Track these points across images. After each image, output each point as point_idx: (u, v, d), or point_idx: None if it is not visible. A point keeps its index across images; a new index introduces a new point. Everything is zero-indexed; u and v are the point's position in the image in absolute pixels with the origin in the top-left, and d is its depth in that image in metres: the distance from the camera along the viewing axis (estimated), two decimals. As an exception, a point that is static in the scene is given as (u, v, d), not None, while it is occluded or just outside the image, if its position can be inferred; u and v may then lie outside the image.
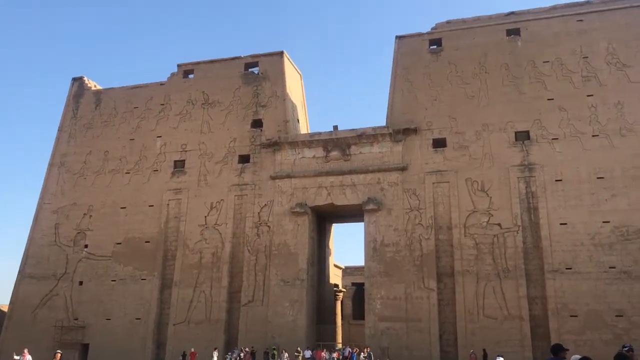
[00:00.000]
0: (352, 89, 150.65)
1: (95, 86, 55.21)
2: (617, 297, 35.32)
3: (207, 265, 44.03)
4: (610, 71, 40.17)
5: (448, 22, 45.93)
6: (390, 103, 44.48)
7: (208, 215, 45.31)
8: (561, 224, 37.64)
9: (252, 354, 38.25)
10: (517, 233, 38.22)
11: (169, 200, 46.79)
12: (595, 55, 40.88)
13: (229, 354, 38.29)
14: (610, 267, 35.94)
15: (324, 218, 47.52)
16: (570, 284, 36.30)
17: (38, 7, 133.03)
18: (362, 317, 44.25)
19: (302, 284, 41.76)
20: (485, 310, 37.32)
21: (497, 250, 38.25)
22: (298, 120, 49.81)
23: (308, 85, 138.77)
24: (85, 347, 44.99)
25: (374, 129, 43.60)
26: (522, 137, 40.55)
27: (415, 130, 42.67)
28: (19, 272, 48.44)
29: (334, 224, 51.21)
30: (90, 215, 48.36)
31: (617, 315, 35.03)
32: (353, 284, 62.94)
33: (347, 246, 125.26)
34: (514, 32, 43.47)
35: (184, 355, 39.12)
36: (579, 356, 9.92)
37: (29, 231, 49.84)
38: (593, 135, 38.98)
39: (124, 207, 47.81)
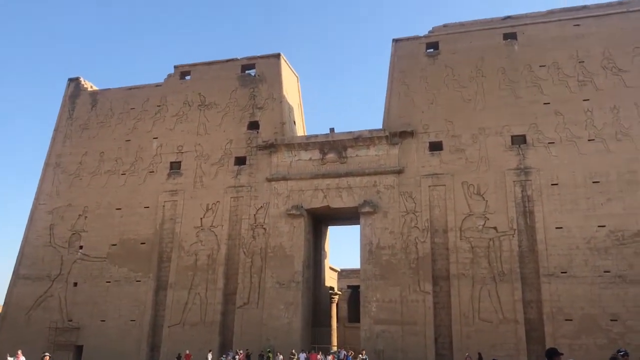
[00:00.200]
0: (348, 92, 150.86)
1: (91, 87, 55.10)
2: (612, 302, 35.37)
3: (203, 267, 43.93)
4: (607, 76, 40.29)
5: (445, 25, 46.02)
6: (387, 106, 44.52)
7: (204, 217, 45.23)
8: (557, 227, 37.70)
9: (247, 356, 38.16)
10: (513, 237, 38.27)
11: (165, 201, 46.69)
12: (591, 60, 41.01)
13: (224, 356, 38.18)
14: (605, 271, 36.00)
15: (319, 220, 47.49)
16: (565, 288, 36.35)
17: (34, 7, 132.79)
18: (358, 320, 44.23)
19: (297, 286, 41.70)
20: (481, 314, 37.33)
21: (493, 254, 38.28)
22: (294, 122, 49.80)
23: (305, 87, 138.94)
24: (79, 349, 44.79)
25: (370, 131, 43.62)
26: (519, 140, 40.63)
27: (411, 134, 42.72)
28: (14, 272, 48.25)
29: (329, 227, 51.18)
30: (86, 216, 48.22)
31: (612, 320, 35.07)
32: (349, 286, 62.98)
33: (343, 249, 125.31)
34: (510, 36, 43.59)
35: (178, 357, 39.00)
36: (574, 361, 9.92)
37: (23, 232, 49.65)
38: (589, 140, 39.08)
39: (120, 209, 47.69)
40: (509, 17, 44.50)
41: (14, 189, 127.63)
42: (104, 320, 44.73)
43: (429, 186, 41.13)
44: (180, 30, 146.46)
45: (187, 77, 51.16)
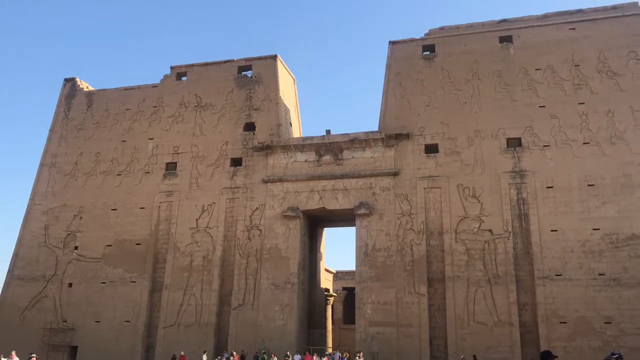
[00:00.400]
0: (345, 94, 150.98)
1: (87, 87, 55.01)
2: (607, 304, 35.52)
3: (198, 269, 43.90)
4: (601, 79, 40.49)
5: (441, 28, 46.16)
6: (383, 108, 44.61)
7: (199, 218, 45.21)
8: (552, 230, 37.85)
9: (242, 357, 38.14)
10: (508, 239, 38.40)
11: (160, 202, 46.65)
12: (586, 64, 41.20)
13: (219, 358, 38.14)
14: (599, 274, 36.16)
15: (315, 222, 47.52)
16: (560, 291, 36.48)
17: (31, 7, 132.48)
18: (353, 322, 44.28)
19: (292, 288, 41.72)
20: (476, 316, 37.43)
21: (488, 256, 38.40)
22: (291, 124, 49.84)
23: (301, 89, 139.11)
24: (74, 350, 44.68)
25: (366, 133, 43.70)
26: (514, 143, 40.78)
27: (407, 136, 42.82)
28: (8, 273, 48.09)
29: (325, 228, 51.21)
30: (81, 217, 48.12)
31: (606, 322, 35.22)
32: (344, 288, 63.01)
33: (339, 251, 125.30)
34: (506, 40, 43.75)
35: (173, 359, 38.94)
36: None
37: (18, 232, 49.49)
38: (584, 143, 39.26)
39: (115, 209, 47.61)
40: (504, 20, 44.67)
41: (9, 189, 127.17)
42: (98, 321, 44.63)
43: (425, 188, 41.23)
44: (176, 31, 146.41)
45: (184, 78, 51.14)
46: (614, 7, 42.38)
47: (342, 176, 43.19)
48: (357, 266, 41.60)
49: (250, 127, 47.17)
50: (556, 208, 38.27)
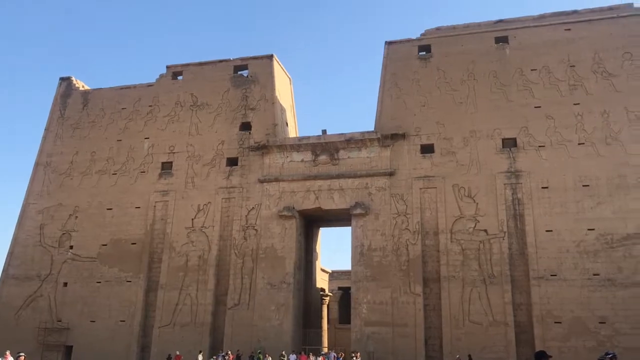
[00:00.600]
0: (341, 94, 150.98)
1: (83, 86, 54.88)
2: (601, 304, 35.63)
3: (194, 268, 43.86)
4: (597, 80, 40.60)
5: (438, 28, 46.21)
6: (379, 108, 44.64)
7: (195, 217, 45.16)
8: (547, 230, 37.94)
9: (238, 357, 38.12)
10: (503, 239, 38.49)
11: (156, 202, 46.58)
12: (582, 64, 41.31)
13: (214, 358, 38.10)
14: (594, 275, 36.27)
15: (311, 222, 47.53)
16: (554, 291, 36.59)
17: (26, 6, 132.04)
18: (348, 322, 44.27)
19: (288, 287, 41.72)
20: (471, 316, 37.50)
21: (483, 256, 38.48)
22: (287, 123, 49.82)
23: (297, 89, 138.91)
24: (69, 349, 44.59)
25: (362, 133, 43.73)
26: (509, 144, 40.87)
27: (403, 136, 42.86)
28: (3, 272, 47.96)
29: (321, 228, 51.22)
30: (76, 216, 48.02)
31: (600, 322, 35.34)
32: (339, 288, 63.12)
33: (334, 250, 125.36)
34: (502, 40, 43.83)
35: (168, 358, 38.90)
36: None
37: (13, 231, 49.38)
38: (579, 143, 39.36)
39: (110, 209, 47.53)
40: (500, 20, 44.74)
41: (4, 188, 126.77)
42: (94, 321, 44.55)
43: (420, 188, 41.29)
44: (172, 30, 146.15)
45: (179, 78, 51.07)
46: (609, 8, 42.49)
47: (338, 176, 43.20)
48: (352, 266, 41.62)
49: (246, 126, 47.13)
50: (551, 208, 38.36)
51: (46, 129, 52.66)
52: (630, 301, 35.21)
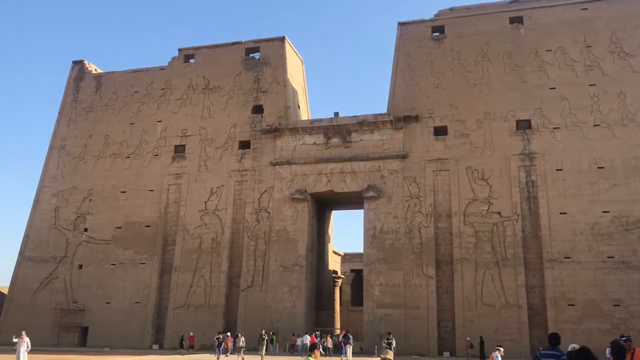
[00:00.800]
0: (353, 76, 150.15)
1: (95, 70, 54.97)
2: (615, 287, 35.45)
3: (207, 250, 44.14)
4: (614, 60, 39.96)
5: (451, 9, 45.64)
6: (392, 90, 44.33)
7: (208, 200, 45.35)
8: (561, 213, 37.68)
9: (236, 337, 36.91)
10: (517, 222, 38.28)
11: (169, 185, 46.80)
12: (598, 44, 40.65)
13: (216, 338, 37.38)
14: (608, 257, 36.04)
15: (323, 205, 47.55)
16: (568, 273, 36.42)
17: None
18: (361, 304, 44.49)
19: (301, 270, 41.90)
20: (484, 299, 37.47)
21: (496, 239, 38.34)
22: (299, 106, 49.67)
23: (309, 71, 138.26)
24: (84, 330, 45.24)
25: (374, 116, 43.49)
26: (524, 125, 40.47)
27: (416, 118, 42.57)
28: (19, 254, 48.56)
29: (333, 211, 51.27)
30: (90, 199, 48.39)
31: (614, 305, 35.19)
32: (352, 270, 63.25)
33: (347, 233, 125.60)
34: (517, 20, 43.21)
35: (182, 339, 39.30)
36: (577, 345, 9.95)
37: (29, 214, 49.89)
38: (594, 125, 38.89)
39: (124, 192, 47.83)
40: (515, 0, 44.05)
41: (20, 171, 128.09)
42: (109, 302, 45.09)
43: (433, 171, 41.09)
44: (185, 13, 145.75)
45: (192, 61, 50.97)
46: (627, -13, 41.65)
47: (350, 159, 43.08)
48: (365, 249, 41.68)
49: (258, 109, 47.05)
50: (565, 191, 38.05)
51: (60, 113, 52.92)
52: (645, 284, 34.96)
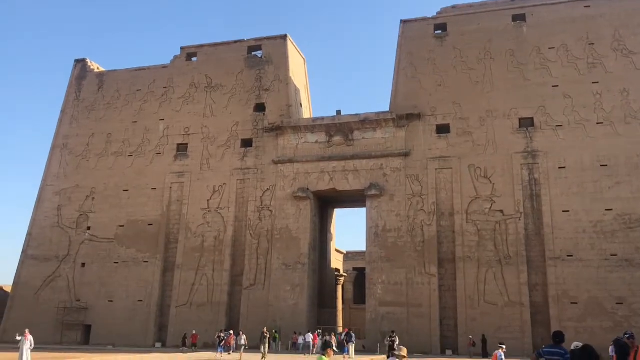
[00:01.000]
0: (355, 74, 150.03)
1: (98, 68, 55.01)
2: (618, 285, 35.40)
3: (210, 249, 44.18)
4: (617, 58, 39.85)
5: (454, 7, 45.57)
6: (394, 88, 44.28)
7: (210, 198, 45.37)
8: (563, 211, 37.62)
9: (237, 336, 36.98)
10: (519, 220, 38.22)
11: (172, 183, 46.83)
12: (601, 42, 40.54)
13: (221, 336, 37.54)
14: (611, 255, 35.98)
15: (326, 203, 47.55)
16: (571, 271, 36.38)
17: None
18: (363, 302, 44.48)
19: (303, 268, 41.91)
20: (486, 297, 37.44)
21: (499, 237, 38.29)
22: (301, 104, 49.64)
23: (311, 69, 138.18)
24: (87, 328, 45.33)
25: (377, 114, 43.44)
26: (526, 123, 40.39)
27: (418, 116, 42.51)
28: (22, 253, 48.66)
29: (335, 209, 51.25)
30: (93, 198, 48.45)
31: (617, 303, 35.13)
32: (354, 268, 63.23)
33: (349, 231, 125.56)
34: (519, 18, 43.10)
35: (184, 337, 39.33)
36: (580, 343, 9.92)
37: (31, 213, 49.96)
38: (597, 123, 38.79)
39: (127, 190, 47.88)
40: (518, -2, 43.92)
41: (22, 170, 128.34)
42: (112, 301, 45.16)
43: (436, 169, 41.04)
44: (187, 11, 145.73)
45: (194, 59, 50.97)
46: (630, -16, 41.51)
47: (353, 157, 43.05)
48: (367, 247, 41.66)
49: (260, 107, 47.03)
50: (568, 189, 37.99)
51: (62, 111, 52.98)
52: (649, 282, 34.91)
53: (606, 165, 37.74)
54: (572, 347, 10.19)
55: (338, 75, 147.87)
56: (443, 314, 38.55)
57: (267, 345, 31.83)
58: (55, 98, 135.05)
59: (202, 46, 51.17)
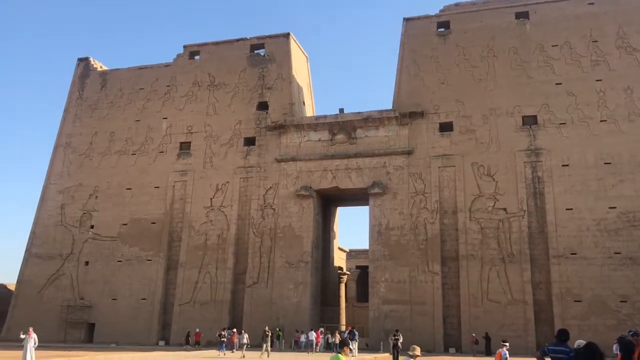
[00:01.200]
0: (358, 72, 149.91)
1: (101, 67, 55.06)
2: (622, 283, 35.33)
3: (213, 247, 44.22)
4: (620, 55, 39.74)
5: (457, 4, 45.48)
6: (397, 86, 44.23)
7: (213, 197, 45.41)
8: (567, 209, 37.55)
9: (239, 334, 37.16)
10: (523, 218, 38.17)
11: (175, 181, 46.88)
12: (605, 39, 40.41)
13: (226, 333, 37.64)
14: (615, 253, 35.91)
15: (328, 201, 47.53)
16: (574, 269, 36.31)
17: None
18: (366, 300, 44.48)
19: (306, 266, 41.92)
20: (489, 295, 37.41)
21: (502, 235, 38.24)
22: (304, 102, 49.61)
23: (314, 67, 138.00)
24: (91, 327, 45.44)
25: (380, 112, 43.40)
26: (530, 121, 40.30)
27: (421, 114, 42.45)
28: (26, 251, 48.78)
29: (338, 207, 51.24)
30: (96, 196, 48.53)
31: (621, 301, 35.07)
32: (357, 267, 63.26)
33: (352, 229, 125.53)
34: (522, 15, 42.99)
35: (187, 335, 39.40)
36: (583, 341, 9.89)
37: (35, 211, 50.05)
38: (601, 120, 38.70)
39: (130, 188, 47.94)
40: (521, -5, 43.80)
41: (26, 169, 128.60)
42: (115, 299, 45.26)
43: (439, 167, 40.99)
44: (189, 9, 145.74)
45: (197, 57, 50.97)
46: (634, -19, 41.37)
47: (356, 155, 43.03)
48: (370, 245, 41.65)
49: (263, 106, 47.02)
50: (572, 186, 37.91)
51: (65, 110, 53.06)
52: (652, 280, 34.83)
53: (610, 163, 37.65)
54: (575, 345, 10.16)
55: (341, 74, 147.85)
56: (446, 312, 38.53)
57: (268, 344, 31.88)
58: (58, 97, 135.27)
59: (204, 44, 51.17)
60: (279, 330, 39.32)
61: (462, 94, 42.17)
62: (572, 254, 36.65)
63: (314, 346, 36.53)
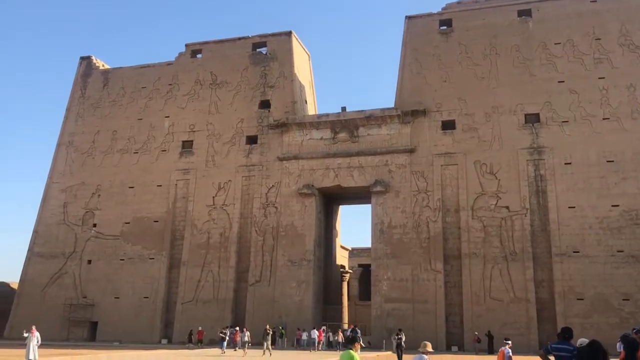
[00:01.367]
0: (360, 70, 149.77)
1: (103, 65, 55.08)
2: (625, 281, 35.28)
3: (215, 245, 44.25)
4: (623, 53, 39.64)
5: (459, 2, 45.40)
6: (399, 84, 44.18)
7: (216, 195, 45.42)
8: (569, 207, 37.49)
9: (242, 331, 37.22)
10: (525, 216, 38.12)
11: (177, 180, 46.91)
12: (607, 37, 40.31)
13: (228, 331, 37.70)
14: (618, 251, 35.85)
15: (331, 199, 47.53)
16: (577, 267, 36.26)
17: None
18: (369, 298, 44.48)
19: (308, 264, 41.93)
20: (492, 293, 37.39)
21: (505, 233, 38.20)
22: (306, 101, 49.59)
23: (316, 65, 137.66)
24: (94, 325, 45.51)
25: (382, 110, 43.36)
26: (532, 119, 40.24)
27: (424, 112, 42.40)
28: (28, 250, 48.86)
29: (341, 206, 51.22)
30: (99, 195, 48.58)
31: (624, 299, 35.02)
32: (360, 265, 63.16)
33: (354, 228, 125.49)
34: (525, 13, 42.90)
35: (190, 334, 39.42)
36: (586, 339, 9.86)
37: (37, 210, 50.13)
38: (604, 118, 38.62)
39: (132, 187, 47.99)
40: (523, -7, 43.70)
41: (28, 167, 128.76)
42: (118, 297, 45.32)
43: (441, 165, 40.95)
44: (191, 8, 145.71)
45: (199, 56, 50.96)
46: (637, -21, 41.25)
47: (358, 153, 43.00)
48: (372, 243, 41.64)
49: (265, 104, 47.02)
50: (574, 184, 37.85)
51: (67, 109, 53.10)
52: (655, 278, 34.77)
53: (612, 161, 37.58)
54: (578, 344, 10.13)
55: (343, 72, 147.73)
56: (448, 310, 38.52)
57: (269, 342, 31.89)
58: (60, 96, 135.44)
59: (206, 43, 51.16)
60: (282, 328, 39.33)
61: (464, 92, 42.10)
62: (574, 252, 36.60)
63: (316, 344, 36.54)
